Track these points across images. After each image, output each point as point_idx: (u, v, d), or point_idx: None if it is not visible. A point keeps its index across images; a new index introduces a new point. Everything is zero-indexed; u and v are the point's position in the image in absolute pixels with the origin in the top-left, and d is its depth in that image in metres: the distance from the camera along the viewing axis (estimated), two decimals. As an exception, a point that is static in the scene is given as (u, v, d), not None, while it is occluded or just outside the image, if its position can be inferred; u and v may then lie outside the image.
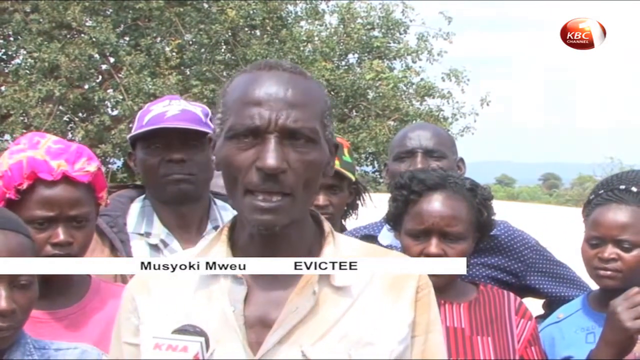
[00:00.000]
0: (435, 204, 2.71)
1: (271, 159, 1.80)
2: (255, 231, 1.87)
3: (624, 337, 2.60)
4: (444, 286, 2.70)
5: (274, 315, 1.87)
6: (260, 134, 1.82)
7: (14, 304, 2.11)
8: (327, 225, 2.00)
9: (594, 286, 3.13)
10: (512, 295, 2.82)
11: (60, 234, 2.48)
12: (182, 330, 1.82)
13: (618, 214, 2.85)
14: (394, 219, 2.83)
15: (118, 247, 3.03)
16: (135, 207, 3.20)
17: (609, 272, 2.83)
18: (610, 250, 2.83)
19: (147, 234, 3.13)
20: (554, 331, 2.92)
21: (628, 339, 2.59)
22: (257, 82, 1.87)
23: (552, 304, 3.23)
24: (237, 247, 1.96)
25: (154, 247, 3.09)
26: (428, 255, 2.67)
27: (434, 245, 2.68)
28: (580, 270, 3.20)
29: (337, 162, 3.44)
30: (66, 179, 2.51)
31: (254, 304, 1.89)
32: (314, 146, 1.87)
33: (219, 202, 3.25)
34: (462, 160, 3.46)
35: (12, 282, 2.12)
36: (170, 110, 3.11)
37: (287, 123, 1.83)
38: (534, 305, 3.08)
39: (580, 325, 2.87)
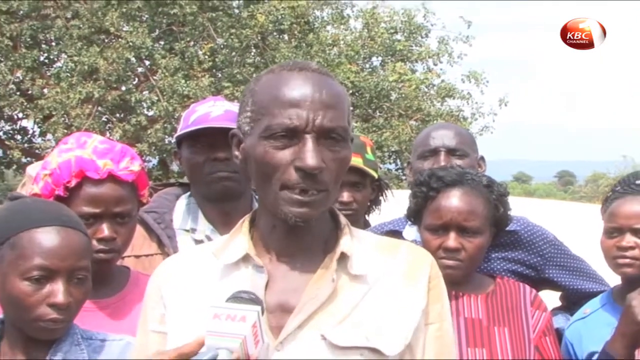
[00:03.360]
0: (453, 199, 2.72)
1: (311, 159, 1.81)
2: (292, 222, 1.87)
3: (636, 329, 2.58)
4: (462, 279, 2.70)
5: (293, 302, 1.89)
6: (298, 134, 1.83)
7: (70, 298, 2.14)
8: (342, 219, 2.01)
9: (609, 280, 3.11)
10: (527, 287, 2.82)
11: (105, 230, 2.51)
12: (237, 298, 1.79)
13: (634, 205, 2.83)
14: (414, 215, 2.83)
15: (165, 242, 3.05)
16: (181, 204, 3.21)
17: (627, 260, 2.81)
18: (628, 239, 2.81)
19: (193, 230, 3.13)
20: (580, 327, 2.89)
21: (638, 331, 2.58)
22: (290, 83, 1.86)
23: (569, 296, 3.23)
24: (257, 238, 1.97)
25: (199, 243, 3.08)
26: (447, 249, 2.67)
27: (452, 239, 2.68)
28: (594, 263, 3.18)
29: (360, 160, 3.46)
30: (112, 178, 2.54)
31: (274, 291, 1.90)
32: (345, 144, 1.88)
33: None
34: (482, 158, 3.46)
35: (70, 277, 2.15)
36: (214, 110, 3.10)
37: (324, 123, 1.83)
38: (549, 299, 3.07)
39: (605, 320, 2.83)
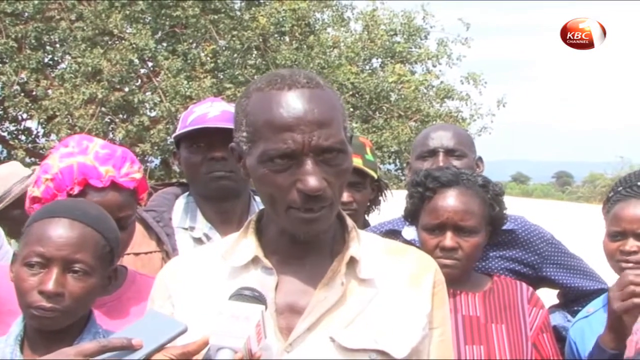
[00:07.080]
0: (449, 199, 2.72)
1: (313, 182, 1.79)
2: (302, 239, 1.88)
3: (615, 319, 2.56)
4: (459, 277, 2.71)
5: (302, 304, 1.88)
6: (296, 157, 1.80)
7: (61, 288, 2.12)
8: (349, 222, 2.00)
9: (607, 278, 3.10)
10: (524, 285, 2.82)
11: None
12: (240, 295, 1.78)
13: (638, 209, 2.80)
14: (411, 215, 2.84)
15: (164, 240, 3.06)
16: (180, 203, 3.22)
17: (631, 265, 2.79)
18: (631, 243, 2.78)
19: (191, 228, 3.15)
20: (584, 325, 2.87)
21: (618, 321, 2.54)
22: (280, 104, 1.82)
23: (566, 294, 3.22)
24: (265, 240, 1.96)
25: (198, 240, 3.11)
26: (443, 248, 2.68)
27: (448, 238, 2.68)
28: (592, 262, 3.18)
29: (360, 161, 3.46)
30: (114, 185, 2.53)
31: (283, 293, 1.89)
32: (344, 155, 1.86)
33: (258, 198, 3.26)
34: (480, 159, 3.46)
35: (66, 267, 2.14)
36: (211, 111, 3.12)
37: (320, 143, 1.80)
38: (546, 297, 3.07)
39: (606, 319, 2.83)
